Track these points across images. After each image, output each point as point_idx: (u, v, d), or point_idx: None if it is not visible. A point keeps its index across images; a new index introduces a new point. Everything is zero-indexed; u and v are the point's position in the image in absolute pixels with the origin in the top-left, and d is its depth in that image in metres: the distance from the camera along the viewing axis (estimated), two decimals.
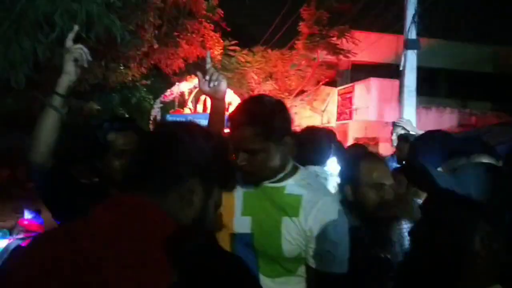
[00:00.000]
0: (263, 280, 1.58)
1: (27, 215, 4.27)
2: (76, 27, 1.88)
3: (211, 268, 0.88)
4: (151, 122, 12.04)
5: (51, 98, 1.75)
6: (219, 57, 12.90)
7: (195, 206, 1.03)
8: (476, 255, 1.07)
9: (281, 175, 1.64)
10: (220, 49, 12.84)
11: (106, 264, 0.84)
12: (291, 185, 1.64)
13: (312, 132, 3.15)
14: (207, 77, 1.87)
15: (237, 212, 1.63)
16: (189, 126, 1.11)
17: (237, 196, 1.65)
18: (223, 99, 1.91)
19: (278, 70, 14.35)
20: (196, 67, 11.65)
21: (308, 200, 1.59)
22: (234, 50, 14.09)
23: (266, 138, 1.55)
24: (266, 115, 1.57)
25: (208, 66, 1.95)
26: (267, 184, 1.64)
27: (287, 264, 1.62)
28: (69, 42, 1.79)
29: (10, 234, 1.69)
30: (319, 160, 2.95)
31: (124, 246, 0.86)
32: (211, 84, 1.85)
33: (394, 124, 4.36)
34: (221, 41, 12.89)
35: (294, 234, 1.57)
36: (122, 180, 1.10)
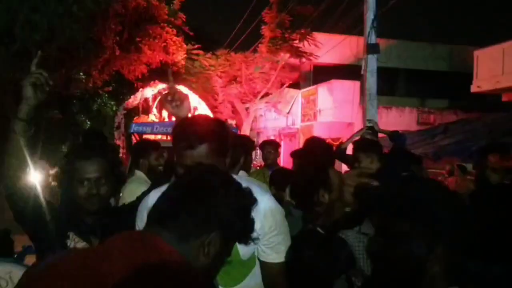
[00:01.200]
0: None
1: None
2: (39, 53, 1.87)
3: None
4: (115, 128, 11.87)
5: (14, 123, 1.75)
6: (182, 62, 12.83)
7: (210, 257, 1.06)
8: (425, 260, 1.12)
9: None
10: (183, 54, 12.78)
11: None
12: None
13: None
14: (169, 97, 1.89)
15: None
16: (228, 179, 1.15)
17: None
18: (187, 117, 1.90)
19: (242, 73, 14.42)
20: (159, 72, 11.57)
21: None
22: (197, 54, 14.06)
23: (218, 154, 1.61)
24: (218, 132, 1.65)
25: (170, 85, 1.98)
26: None
27: (242, 267, 1.71)
28: (33, 68, 1.78)
29: None
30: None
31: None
32: (173, 104, 1.87)
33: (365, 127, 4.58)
34: (184, 45, 12.83)
35: None
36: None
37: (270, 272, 1.72)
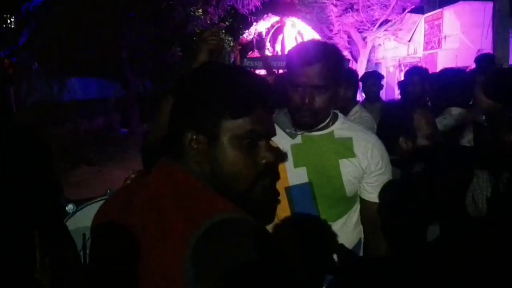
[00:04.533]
0: (325, 226, 1.68)
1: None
2: (220, 24, 1.82)
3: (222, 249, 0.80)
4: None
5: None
6: None
7: (204, 154, 0.95)
8: None
9: (326, 121, 1.69)
10: None
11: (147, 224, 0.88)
12: (337, 130, 1.70)
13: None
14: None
15: (289, 165, 1.67)
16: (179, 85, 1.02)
17: (285, 150, 1.69)
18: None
19: (359, 0, 13.62)
20: (272, 5, 11.46)
21: (359, 141, 1.67)
22: None
23: (333, 76, 1.59)
24: (335, 54, 1.62)
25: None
26: (314, 133, 1.69)
27: (346, 203, 1.73)
28: (207, 33, 1.75)
29: None
30: None
31: (157, 212, 0.88)
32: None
33: None
34: None
35: (353, 174, 1.66)
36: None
37: (370, 210, 1.72)
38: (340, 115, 1.76)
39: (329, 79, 1.57)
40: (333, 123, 1.71)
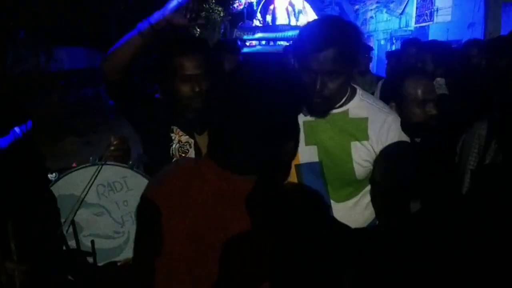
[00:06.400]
0: (335, 206, 1.63)
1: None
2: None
3: None
4: (221, 35, 12.03)
5: (142, 23, 1.74)
6: None
7: None
8: None
9: (343, 100, 1.61)
10: None
11: None
12: (353, 108, 1.61)
13: None
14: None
15: (300, 142, 1.55)
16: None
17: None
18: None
19: None
20: None
21: (375, 122, 1.58)
22: None
23: (349, 58, 1.51)
24: (351, 34, 1.53)
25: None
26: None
27: (357, 185, 1.66)
28: None
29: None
30: None
31: None
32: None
33: None
34: None
35: (365, 157, 1.59)
36: None
37: (383, 194, 1.65)
38: (358, 91, 1.66)
39: (344, 62, 1.49)
40: (349, 101, 1.62)
